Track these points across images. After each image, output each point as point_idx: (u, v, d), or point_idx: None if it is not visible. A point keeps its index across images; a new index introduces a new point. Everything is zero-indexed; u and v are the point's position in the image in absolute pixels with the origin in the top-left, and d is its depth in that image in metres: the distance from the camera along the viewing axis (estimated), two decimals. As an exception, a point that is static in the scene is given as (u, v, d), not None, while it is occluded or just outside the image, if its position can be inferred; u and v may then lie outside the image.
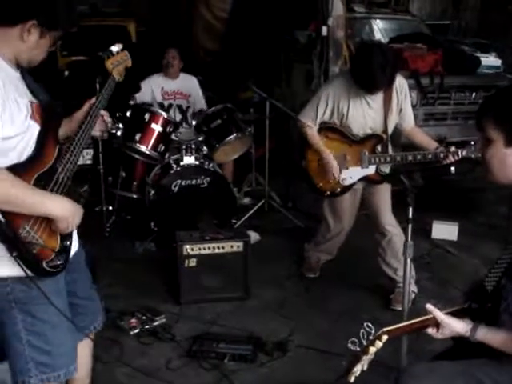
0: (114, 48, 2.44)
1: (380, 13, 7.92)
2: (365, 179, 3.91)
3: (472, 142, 3.51)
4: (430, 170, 2.28)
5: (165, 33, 9.02)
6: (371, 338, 1.92)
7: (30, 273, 1.94)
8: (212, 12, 9.17)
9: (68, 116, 2.34)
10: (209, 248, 3.96)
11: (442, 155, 3.57)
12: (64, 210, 2.00)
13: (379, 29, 7.51)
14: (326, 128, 3.87)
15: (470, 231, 5.21)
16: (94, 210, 5.15)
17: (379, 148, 3.85)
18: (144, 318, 3.74)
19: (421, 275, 4.23)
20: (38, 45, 2.01)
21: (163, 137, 4.79)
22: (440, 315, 1.98)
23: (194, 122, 5.09)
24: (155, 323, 3.71)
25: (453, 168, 2.31)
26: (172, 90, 5.67)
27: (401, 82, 3.80)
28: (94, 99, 2.31)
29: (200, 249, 3.94)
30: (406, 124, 3.89)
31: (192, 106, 5.73)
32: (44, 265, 1.98)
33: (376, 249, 4.07)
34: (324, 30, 6.06)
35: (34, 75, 2.17)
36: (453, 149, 3.52)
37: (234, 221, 5.02)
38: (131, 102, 5.25)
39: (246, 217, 5.31)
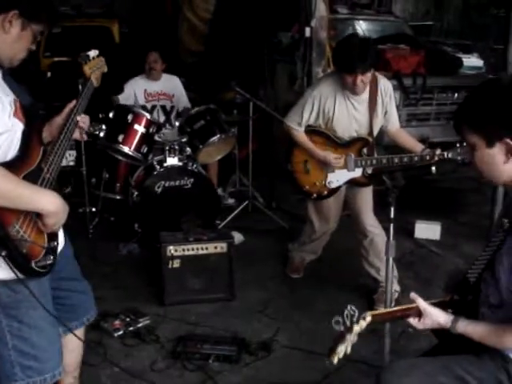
0: (91, 53, 2.44)
1: (363, 14, 7.97)
2: (351, 182, 3.92)
3: (457, 144, 3.53)
4: (412, 170, 2.29)
5: (148, 34, 9.00)
6: (354, 319, 1.94)
7: (19, 274, 1.93)
8: (195, 13, 9.15)
9: (48, 119, 2.33)
10: (193, 249, 3.95)
11: (428, 157, 3.59)
12: (55, 204, 1.99)
13: (362, 30, 7.54)
14: (311, 131, 3.89)
15: (453, 231, 5.25)
16: (77, 211, 5.12)
17: (365, 151, 3.85)
18: (128, 319, 3.72)
19: (404, 274, 4.25)
20: (19, 38, 2.01)
21: (146, 138, 4.77)
22: (423, 304, 2.00)
23: (177, 123, 5.08)
24: (139, 325, 3.69)
25: (434, 168, 2.33)
26: (155, 91, 5.66)
27: (386, 84, 3.82)
28: (73, 102, 2.30)
29: (184, 250, 3.94)
30: (391, 125, 3.92)
31: (176, 105, 5.73)
32: (33, 264, 1.96)
33: (359, 249, 4.09)
34: (307, 31, 6.06)
35: (15, 76, 2.16)
36: (438, 151, 3.55)
37: (218, 222, 5.02)
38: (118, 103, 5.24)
39: (230, 218, 5.31)
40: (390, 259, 2.27)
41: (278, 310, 3.95)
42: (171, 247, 3.92)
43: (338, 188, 3.95)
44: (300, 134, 3.87)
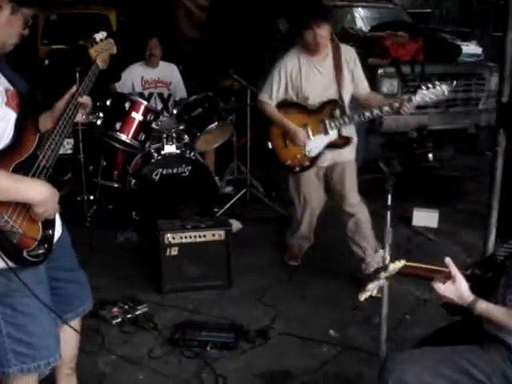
0: (98, 35, 2.42)
1: (361, 1, 7.93)
2: (330, 146, 3.99)
3: (423, 87, 3.68)
4: (409, 158, 2.29)
5: (145, 22, 8.96)
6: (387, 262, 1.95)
7: (10, 263, 1.93)
8: (193, 0, 9.12)
9: (48, 107, 2.31)
10: (190, 237, 3.95)
11: (396, 105, 3.72)
12: (42, 194, 1.97)
13: (361, 17, 7.52)
14: (283, 105, 4.02)
15: (451, 218, 5.26)
16: (75, 199, 5.12)
17: (337, 112, 3.95)
18: (126, 307, 3.73)
19: (401, 262, 4.26)
20: (10, 22, 2.00)
21: (144, 125, 4.76)
22: (456, 270, 1.98)
23: (174, 111, 5.06)
24: (137, 312, 3.70)
25: (430, 155, 2.34)
26: (152, 78, 5.63)
27: (349, 51, 3.99)
28: (74, 87, 2.29)
29: (182, 237, 3.94)
30: (362, 90, 4.03)
31: (173, 93, 5.71)
32: (25, 254, 1.96)
33: (345, 230, 4.14)
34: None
35: (13, 64, 2.14)
36: (405, 97, 3.71)
37: (215, 209, 5.01)
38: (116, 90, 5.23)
39: (227, 205, 5.32)
40: (387, 246, 2.28)
41: (276, 298, 3.96)
42: (169, 235, 3.92)
43: (319, 156, 4.00)
44: (271, 107, 4.01)
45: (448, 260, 2.00)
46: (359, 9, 7.62)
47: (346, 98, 3.96)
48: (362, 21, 7.40)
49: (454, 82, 6.15)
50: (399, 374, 2.01)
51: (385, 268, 1.91)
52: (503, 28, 3.74)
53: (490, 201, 3.94)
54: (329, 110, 3.93)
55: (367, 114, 3.82)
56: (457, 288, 1.97)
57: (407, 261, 1.96)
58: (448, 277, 1.97)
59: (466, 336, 2.11)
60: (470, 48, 6.92)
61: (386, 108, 3.77)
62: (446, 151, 6.41)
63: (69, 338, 2.50)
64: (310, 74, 3.93)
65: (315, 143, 3.97)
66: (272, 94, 4.00)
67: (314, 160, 4.03)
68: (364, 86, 4.03)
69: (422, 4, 12.65)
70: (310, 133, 3.95)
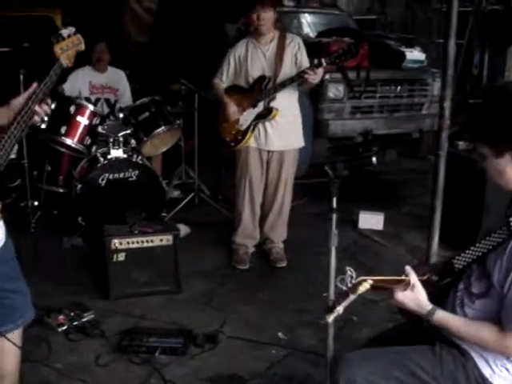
0: (65, 32, 2.35)
1: (308, 7, 8.04)
2: (257, 118, 4.21)
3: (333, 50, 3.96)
4: (354, 161, 2.32)
5: (92, 25, 8.83)
6: (354, 281, 1.95)
7: None
8: (140, 3, 9.05)
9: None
10: (138, 242, 3.91)
11: (309, 70, 3.93)
12: None
13: (308, 23, 7.60)
14: (228, 89, 4.32)
15: (395, 221, 5.36)
16: (19, 205, 5.01)
17: (268, 86, 4.15)
18: (72, 314, 3.66)
19: (348, 264, 4.29)
20: None
21: (89, 130, 4.69)
22: (415, 279, 1.98)
23: (121, 115, 5.01)
24: (83, 319, 3.63)
25: (374, 159, 2.37)
26: (100, 83, 5.56)
27: (294, 37, 4.26)
28: (35, 85, 2.23)
29: (129, 243, 3.90)
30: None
31: (120, 99, 5.65)
32: None
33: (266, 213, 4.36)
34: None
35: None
36: (316, 60, 3.94)
37: (163, 214, 4.98)
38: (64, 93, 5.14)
39: (175, 210, 5.29)
40: (333, 249, 2.30)
41: (224, 302, 3.96)
42: (116, 240, 3.87)
43: (249, 128, 4.22)
44: (220, 85, 4.34)
45: (408, 268, 2.01)
46: (306, 15, 7.69)
47: (281, 77, 4.12)
48: (308, 27, 7.48)
49: (399, 88, 6.34)
50: (350, 374, 2.02)
51: (353, 290, 1.93)
52: (446, 35, 3.84)
53: (434, 203, 4.03)
54: (259, 85, 4.16)
55: (288, 82, 4.05)
56: (415, 296, 1.98)
57: (367, 274, 1.97)
58: (408, 285, 1.99)
59: (418, 336, 2.13)
60: (414, 54, 7.03)
61: (301, 75, 3.98)
62: (389, 155, 6.55)
63: (9, 350, 2.42)
64: (255, 57, 4.20)
65: (246, 117, 4.24)
66: (222, 76, 4.33)
67: (245, 133, 4.25)
68: (300, 67, 4.18)
69: (367, 11, 12.86)
70: (244, 108, 4.23)
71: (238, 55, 4.26)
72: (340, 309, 1.95)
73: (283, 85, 4.08)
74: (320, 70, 3.95)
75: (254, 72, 4.20)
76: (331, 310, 1.96)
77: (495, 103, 1.89)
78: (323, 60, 3.88)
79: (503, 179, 1.91)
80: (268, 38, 4.20)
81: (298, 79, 4.02)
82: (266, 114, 4.19)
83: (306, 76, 3.93)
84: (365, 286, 1.92)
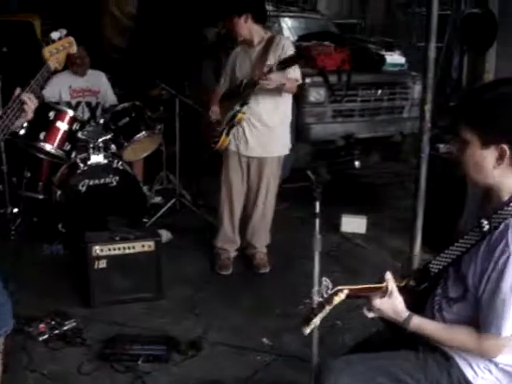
0: (55, 34, 2.32)
1: (288, 11, 8.03)
2: (229, 120, 4.21)
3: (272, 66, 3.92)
4: (336, 165, 2.32)
5: (72, 30, 8.77)
6: (330, 292, 1.93)
7: None
8: (119, 7, 8.99)
9: None
10: (119, 248, 3.87)
11: (263, 76, 3.94)
12: None
13: (288, 27, 7.59)
14: (224, 93, 4.40)
15: (378, 224, 5.37)
16: (-2, 212, 4.95)
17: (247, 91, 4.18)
18: (53, 322, 3.61)
19: (331, 268, 4.32)
20: None
21: (69, 135, 4.64)
22: (393, 285, 1.96)
23: (101, 120, 4.98)
24: (65, 327, 3.59)
25: (357, 163, 2.37)
26: (80, 87, 5.50)
27: (282, 40, 4.22)
28: (18, 90, 2.19)
29: (110, 249, 3.85)
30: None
31: (102, 102, 5.59)
32: None
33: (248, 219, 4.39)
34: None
35: None
36: (265, 69, 3.97)
37: (145, 220, 4.95)
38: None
39: (157, 216, 5.25)
40: (317, 253, 2.30)
41: (208, 308, 3.93)
42: (97, 247, 3.83)
43: (223, 131, 4.24)
44: (218, 90, 4.46)
45: (388, 275, 2.00)
46: (286, 19, 7.69)
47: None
48: (289, 31, 7.48)
49: (379, 91, 6.36)
50: (334, 381, 2.01)
51: (329, 301, 1.91)
52: (426, 38, 3.85)
53: (416, 206, 4.04)
54: (238, 89, 4.21)
55: (250, 86, 4.09)
56: (392, 303, 1.97)
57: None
58: (385, 292, 1.98)
59: (402, 341, 2.12)
60: (394, 58, 7.05)
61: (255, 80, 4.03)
62: (372, 158, 6.56)
63: None
64: (243, 61, 4.26)
65: (225, 119, 4.27)
66: (220, 82, 4.46)
67: (220, 135, 4.25)
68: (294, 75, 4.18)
69: (347, 15, 12.92)
70: (226, 111, 4.27)
71: (234, 59, 4.34)
72: (317, 320, 1.94)
73: (249, 89, 4.09)
74: (273, 76, 3.91)
75: (240, 76, 4.23)
76: (308, 322, 1.95)
77: (501, 93, 1.83)
78: (273, 65, 3.90)
79: (481, 173, 1.86)
80: (256, 41, 4.20)
81: (248, 88, 4.08)
82: (233, 117, 4.20)
83: (260, 82, 3.95)
84: (340, 297, 1.91)
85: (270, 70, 3.90)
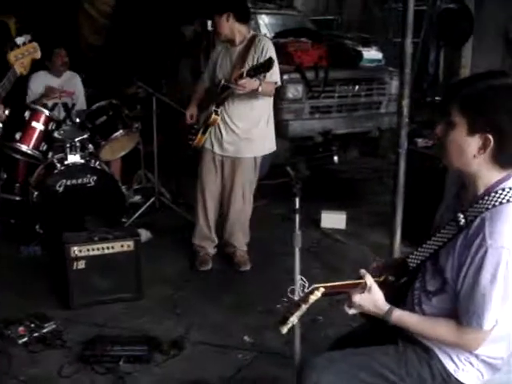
0: (19, 39, 2.31)
1: (265, 8, 8.01)
2: (205, 120, 4.26)
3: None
4: (315, 161, 2.33)
5: (47, 29, 8.69)
6: (306, 290, 1.92)
7: None
8: (95, 6, 8.92)
9: None
10: (98, 249, 3.83)
11: (234, 81, 3.98)
12: None
13: (265, 24, 7.59)
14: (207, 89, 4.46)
15: (358, 219, 5.39)
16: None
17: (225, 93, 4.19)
18: (32, 325, 3.56)
19: (311, 264, 4.33)
20: None
21: (45, 135, 4.61)
22: (371, 281, 1.96)
23: (78, 119, 4.93)
24: (44, 330, 3.55)
25: (336, 157, 2.36)
26: (57, 88, 5.47)
27: (263, 41, 4.18)
28: None
29: (89, 250, 3.81)
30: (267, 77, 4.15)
31: (76, 103, 5.56)
32: None
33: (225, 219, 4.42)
34: (209, 24, 6.04)
35: None
36: (237, 73, 4.01)
37: (124, 220, 4.91)
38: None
39: (136, 215, 5.22)
40: (297, 249, 2.29)
41: (189, 307, 3.91)
42: (75, 248, 3.79)
43: (199, 130, 4.29)
44: (200, 84, 4.52)
45: (363, 271, 2.00)
46: (263, 16, 7.68)
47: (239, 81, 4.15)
48: (265, 27, 7.48)
49: (357, 87, 6.38)
50: (316, 380, 2.00)
51: (305, 300, 1.91)
52: (402, 33, 3.86)
53: (395, 201, 4.05)
54: (216, 88, 4.22)
55: (224, 89, 4.12)
56: (372, 298, 1.97)
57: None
58: (364, 288, 1.98)
59: (383, 335, 2.12)
60: (371, 53, 7.09)
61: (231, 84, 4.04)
62: (350, 154, 6.59)
63: None
64: (224, 59, 4.25)
65: (201, 120, 4.33)
66: (204, 75, 4.47)
67: (196, 134, 4.31)
68: (273, 76, 4.13)
69: (324, 11, 12.93)
70: (203, 108, 4.33)
71: (216, 56, 4.32)
72: (294, 319, 1.93)
73: (226, 91, 4.10)
74: (243, 81, 3.90)
75: (219, 74, 4.23)
76: (285, 321, 1.94)
77: (500, 85, 1.82)
78: (244, 71, 3.92)
79: (461, 159, 1.85)
80: (238, 40, 4.18)
81: (225, 90, 4.10)
82: (208, 118, 4.22)
83: (231, 86, 3.99)
84: (316, 295, 1.90)
85: (241, 76, 3.91)
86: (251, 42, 4.14)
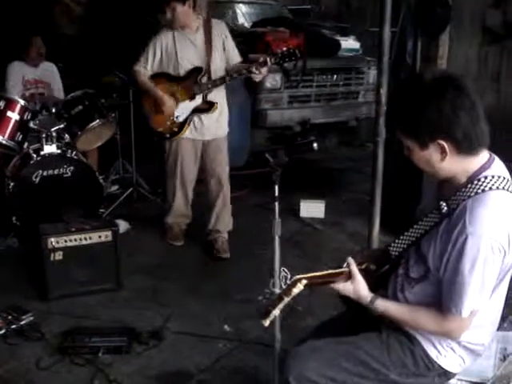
0: None
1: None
2: (196, 111, 4.26)
3: (279, 51, 4.02)
4: (294, 148, 2.32)
5: (22, 19, 8.56)
6: (289, 282, 1.92)
7: None
8: (70, -5, 8.84)
9: None
10: (75, 240, 3.80)
11: (254, 68, 4.00)
12: None
13: (242, 13, 7.57)
14: (154, 76, 4.30)
15: (336, 208, 5.41)
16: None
17: (204, 79, 4.21)
18: (10, 317, 3.53)
19: (291, 253, 4.33)
20: None
21: (21, 125, 4.53)
22: (355, 270, 1.98)
23: (53, 109, 4.86)
24: (22, 322, 3.51)
25: (315, 144, 2.35)
26: (34, 78, 5.43)
27: (219, 25, 4.31)
28: None
29: (66, 241, 3.78)
30: (231, 60, 4.28)
31: (52, 94, 5.49)
32: None
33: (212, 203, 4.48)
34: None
35: None
36: (261, 59, 3.99)
37: (102, 210, 4.86)
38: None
39: (114, 205, 5.17)
40: (276, 238, 2.28)
41: (168, 297, 3.90)
42: (52, 239, 3.75)
43: (186, 120, 4.26)
44: (144, 76, 4.30)
45: (350, 259, 2.02)
46: (241, 5, 7.66)
47: (214, 67, 4.21)
48: (243, 17, 7.45)
49: (335, 77, 6.38)
50: (300, 369, 2.01)
51: (287, 293, 1.90)
52: (380, 22, 3.86)
53: (373, 190, 4.06)
54: (194, 76, 4.19)
55: (228, 78, 4.14)
56: (355, 287, 1.98)
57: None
58: (348, 277, 1.99)
59: (365, 323, 2.13)
60: (349, 43, 7.09)
61: (244, 71, 4.06)
62: (328, 143, 6.60)
63: None
64: (185, 46, 4.21)
65: (182, 109, 4.26)
66: (147, 65, 4.28)
67: (182, 125, 4.28)
68: (235, 58, 4.29)
69: (301, 0, 12.90)
70: (178, 99, 4.25)
71: (165, 45, 4.23)
72: (276, 312, 1.93)
73: (223, 81, 4.16)
74: (265, 69, 4.00)
75: (185, 62, 4.21)
76: (267, 314, 1.93)
77: (414, 92, 1.84)
78: (268, 59, 3.94)
79: (434, 169, 1.89)
80: (193, 26, 4.24)
81: (239, 76, 4.13)
82: (207, 108, 4.25)
83: (252, 75, 4.02)
84: (299, 288, 1.90)
85: (265, 63, 3.94)
86: (209, 26, 4.22)
